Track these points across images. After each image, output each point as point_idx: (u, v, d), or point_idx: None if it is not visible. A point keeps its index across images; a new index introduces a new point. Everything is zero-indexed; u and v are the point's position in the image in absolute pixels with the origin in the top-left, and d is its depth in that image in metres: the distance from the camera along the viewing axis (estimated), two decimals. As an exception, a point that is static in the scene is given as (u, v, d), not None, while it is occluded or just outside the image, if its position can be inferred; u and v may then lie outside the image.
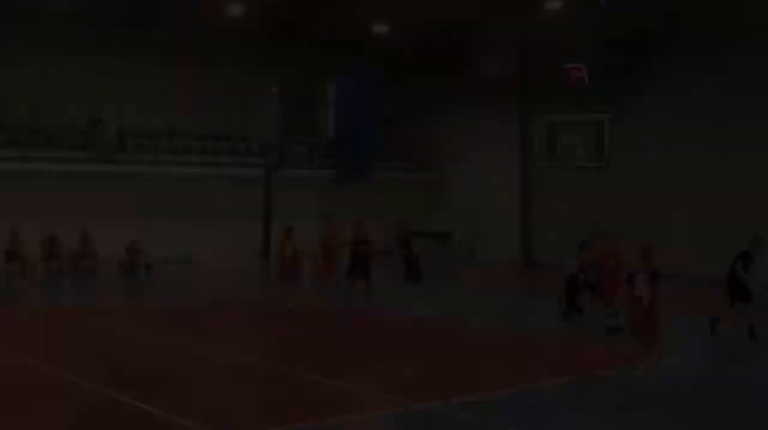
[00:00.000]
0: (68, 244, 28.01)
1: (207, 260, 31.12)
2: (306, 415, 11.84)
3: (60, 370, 14.03)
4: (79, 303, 23.17)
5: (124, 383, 13.25)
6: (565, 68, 28.27)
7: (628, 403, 13.10)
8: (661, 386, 13.43)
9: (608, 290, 17.49)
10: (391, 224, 36.13)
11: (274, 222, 31.27)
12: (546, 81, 30.85)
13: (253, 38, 34.30)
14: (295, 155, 32.15)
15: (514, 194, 34.22)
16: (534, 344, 17.66)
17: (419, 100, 38.33)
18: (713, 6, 28.15)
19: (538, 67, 31.52)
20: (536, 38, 31.36)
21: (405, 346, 17.67)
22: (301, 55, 35.56)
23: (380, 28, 30.39)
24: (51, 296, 24.09)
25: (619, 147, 28.58)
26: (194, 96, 32.71)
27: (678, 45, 29.26)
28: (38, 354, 15.20)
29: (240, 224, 32.86)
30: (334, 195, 35.31)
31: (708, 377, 14.82)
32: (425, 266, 26.24)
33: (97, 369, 14.30)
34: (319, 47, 35.71)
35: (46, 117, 29.82)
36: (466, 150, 36.57)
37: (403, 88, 38.39)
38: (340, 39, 34.65)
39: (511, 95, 33.22)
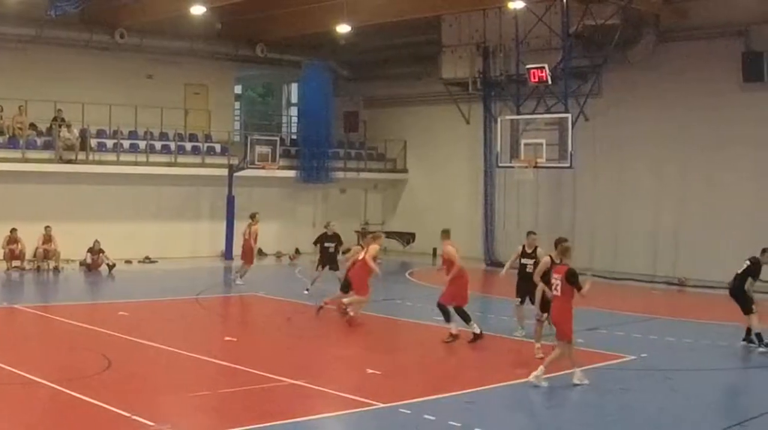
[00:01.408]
0: (31, 243, 27.89)
1: (170, 260, 31.02)
2: (269, 415, 11.88)
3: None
4: (38, 302, 23.01)
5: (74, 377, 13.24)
6: (527, 68, 28.35)
7: (592, 399, 13.30)
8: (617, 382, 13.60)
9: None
10: (355, 223, 36.29)
11: (236, 222, 31.15)
12: (509, 80, 31.02)
13: (216, 38, 34.25)
14: (258, 155, 31.97)
15: (477, 194, 34.33)
16: (495, 343, 17.77)
17: (382, 100, 38.39)
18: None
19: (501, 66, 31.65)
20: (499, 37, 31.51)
21: (369, 344, 17.75)
22: (263, 55, 35.54)
23: (343, 28, 30.33)
24: (12, 295, 23.87)
25: (583, 146, 28.78)
26: (157, 95, 32.56)
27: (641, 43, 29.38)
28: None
29: (203, 224, 32.82)
30: (298, 195, 35.37)
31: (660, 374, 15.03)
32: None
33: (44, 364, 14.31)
34: (282, 47, 35.72)
35: (8, 117, 29.56)
36: (430, 149, 36.67)
37: (366, 87, 38.44)
38: (302, 39, 34.71)
39: (473, 94, 33.26)
